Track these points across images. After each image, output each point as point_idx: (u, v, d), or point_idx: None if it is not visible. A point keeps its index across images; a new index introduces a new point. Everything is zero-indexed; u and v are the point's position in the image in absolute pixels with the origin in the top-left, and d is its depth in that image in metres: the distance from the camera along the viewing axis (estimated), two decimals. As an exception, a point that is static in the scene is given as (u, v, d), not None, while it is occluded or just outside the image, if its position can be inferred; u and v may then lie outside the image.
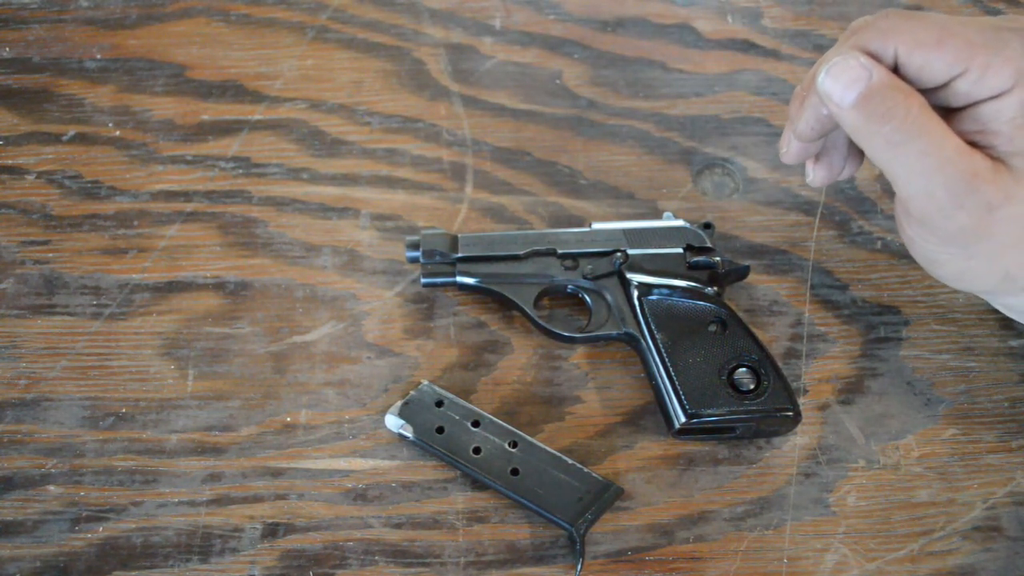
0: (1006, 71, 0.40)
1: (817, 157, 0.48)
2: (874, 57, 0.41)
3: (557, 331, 0.55)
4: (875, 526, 0.51)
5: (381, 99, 0.66)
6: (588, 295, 0.56)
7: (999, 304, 0.50)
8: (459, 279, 0.56)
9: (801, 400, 0.54)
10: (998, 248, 0.42)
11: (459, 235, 0.57)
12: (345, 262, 0.59)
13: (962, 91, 0.41)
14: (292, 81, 0.66)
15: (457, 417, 0.52)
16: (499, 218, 0.61)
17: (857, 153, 0.48)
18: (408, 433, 0.52)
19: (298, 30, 0.69)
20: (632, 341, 0.54)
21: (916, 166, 0.40)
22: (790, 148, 0.47)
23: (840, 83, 0.41)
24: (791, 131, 0.46)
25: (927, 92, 0.42)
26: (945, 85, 0.42)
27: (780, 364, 0.54)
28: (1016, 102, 0.40)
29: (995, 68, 0.40)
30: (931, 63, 0.41)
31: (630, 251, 0.56)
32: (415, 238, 0.56)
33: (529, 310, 0.55)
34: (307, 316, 0.57)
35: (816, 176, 0.48)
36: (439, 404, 0.53)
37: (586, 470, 0.51)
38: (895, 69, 0.41)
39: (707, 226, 0.57)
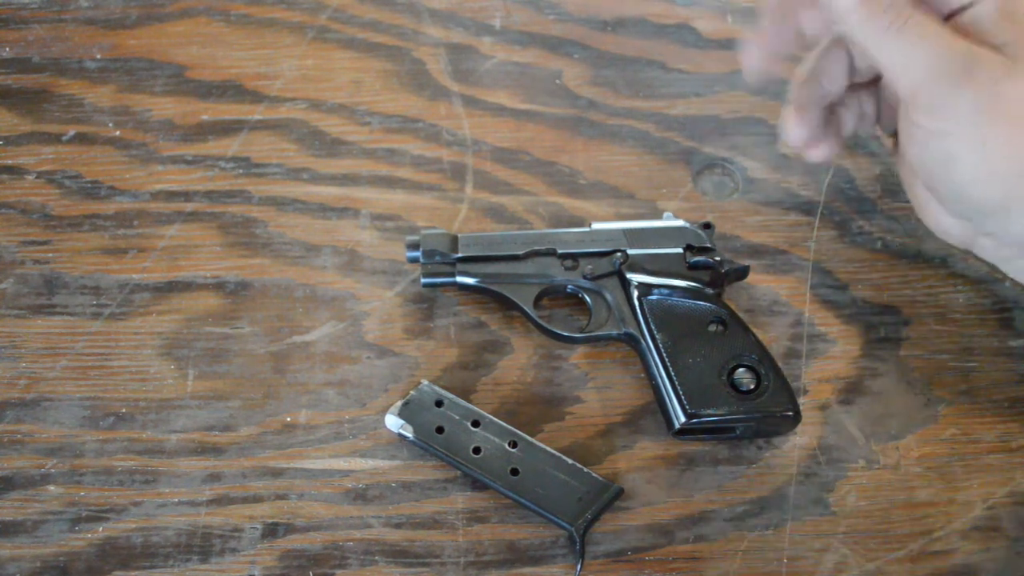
0: None
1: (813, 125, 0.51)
2: None
3: (557, 331, 0.55)
4: (875, 526, 0.51)
5: (381, 99, 0.66)
6: (588, 295, 0.56)
7: (1013, 269, 0.49)
8: (459, 279, 0.56)
9: (801, 400, 0.54)
10: (1012, 129, 0.42)
11: (459, 235, 0.57)
12: (345, 262, 0.59)
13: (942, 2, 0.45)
14: (292, 81, 0.66)
15: (457, 417, 0.52)
16: (499, 218, 0.61)
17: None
18: (408, 433, 0.52)
19: (298, 30, 0.69)
20: (632, 341, 0.54)
21: (919, 46, 0.43)
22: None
23: None
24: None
25: None
26: None
27: (780, 364, 0.54)
28: (990, 6, 0.43)
29: None
30: None
31: (630, 251, 0.56)
32: (415, 238, 0.56)
33: (529, 310, 0.55)
34: (307, 316, 0.57)
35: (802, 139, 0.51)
36: (439, 404, 0.53)
37: (586, 470, 0.51)
38: None
39: (707, 226, 0.57)
